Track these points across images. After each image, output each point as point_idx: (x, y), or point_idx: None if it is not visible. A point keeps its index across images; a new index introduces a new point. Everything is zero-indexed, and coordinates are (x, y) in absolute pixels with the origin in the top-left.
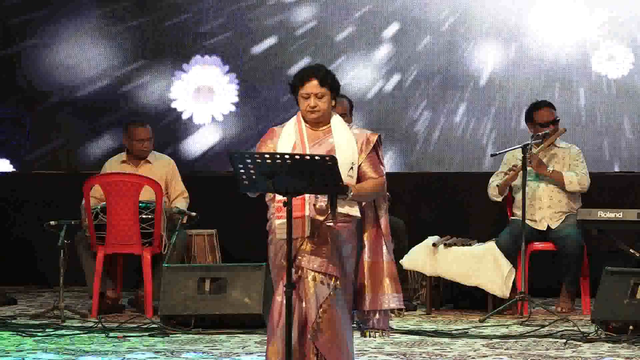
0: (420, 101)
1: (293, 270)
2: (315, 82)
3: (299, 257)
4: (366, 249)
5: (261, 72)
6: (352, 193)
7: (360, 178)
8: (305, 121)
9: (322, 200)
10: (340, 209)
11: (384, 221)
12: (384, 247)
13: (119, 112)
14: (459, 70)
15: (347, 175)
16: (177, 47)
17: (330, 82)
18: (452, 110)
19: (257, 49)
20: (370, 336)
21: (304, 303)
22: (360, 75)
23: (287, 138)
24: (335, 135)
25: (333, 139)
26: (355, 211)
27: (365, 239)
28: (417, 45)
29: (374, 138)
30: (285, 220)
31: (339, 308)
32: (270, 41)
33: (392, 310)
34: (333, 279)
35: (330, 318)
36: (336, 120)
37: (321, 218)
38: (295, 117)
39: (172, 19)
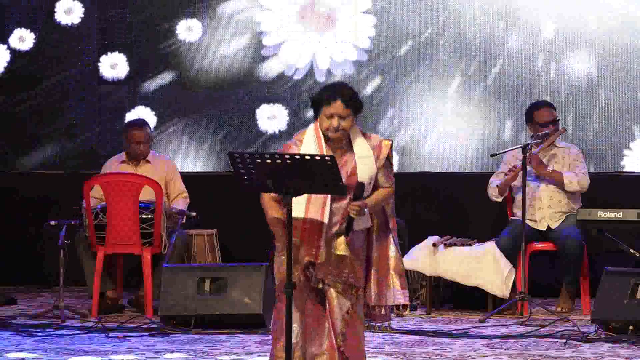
0: (418, 102)
1: (315, 281)
2: (339, 103)
3: (319, 270)
4: (373, 244)
5: None
6: (367, 210)
7: (374, 187)
8: (325, 136)
9: (337, 226)
10: (357, 228)
11: (391, 217)
12: (391, 243)
13: None
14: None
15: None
16: None
17: (354, 103)
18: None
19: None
20: (373, 330)
21: (328, 314)
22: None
23: (309, 150)
24: (356, 152)
25: (350, 157)
26: (369, 223)
27: (372, 234)
28: (398, 50)
29: (387, 145)
30: (297, 239)
31: (359, 316)
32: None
33: (397, 306)
34: (355, 289)
35: (354, 326)
36: (354, 134)
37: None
38: (312, 128)
39: None
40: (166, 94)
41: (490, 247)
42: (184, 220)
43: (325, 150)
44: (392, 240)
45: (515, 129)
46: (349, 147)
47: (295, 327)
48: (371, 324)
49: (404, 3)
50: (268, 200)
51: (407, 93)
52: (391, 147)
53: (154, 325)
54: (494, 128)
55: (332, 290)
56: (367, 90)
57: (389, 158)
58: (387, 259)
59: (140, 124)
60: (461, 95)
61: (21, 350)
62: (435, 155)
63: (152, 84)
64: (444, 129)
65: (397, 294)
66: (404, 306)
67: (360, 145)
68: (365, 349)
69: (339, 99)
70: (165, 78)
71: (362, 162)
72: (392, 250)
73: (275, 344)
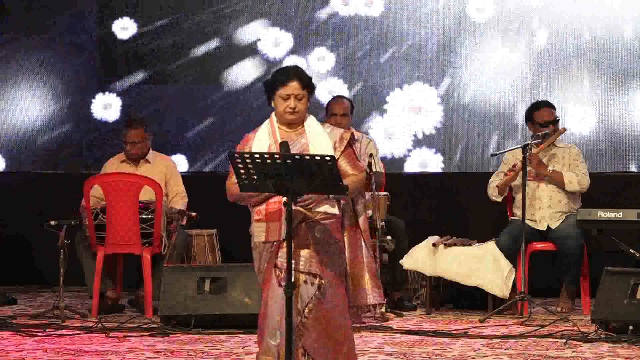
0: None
1: (276, 271)
2: (296, 84)
3: (281, 259)
4: (346, 246)
5: None
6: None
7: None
8: (280, 122)
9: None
10: (318, 209)
11: (362, 218)
12: (363, 244)
13: None
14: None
15: None
16: None
17: (309, 84)
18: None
19: None
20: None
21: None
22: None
23: (261, 140)
24: (308, 135)
25: (305, 139)
26: (333, 209)
27: (344, 236)
28: (383, 53)
29: (347, 135)
30: (263, 223)
31: (328, 306)
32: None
33: (373, 306)
34: (317, 278)
35: (317, 317)
36: (310, 121)
37: (297, 220)
38: (268, 120)
39: None
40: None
41: (490, 247)
42: (184, 221)
43: (279, 137)
44: (363, 240)
45: (514, 129)
46: (304, 133)
47: (275, 331)
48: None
49: (395, 7)
50: (231, 184)
51: (405, 92)
52: (353, 138)
53: (154, 325)
54: (493, 128)
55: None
56: (361, 90)
57: (351, 147)
58: (360, 259)
59: (136, 123)
60: (461, 94)
61: (21, 350)
62: (435, 155)
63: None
64: (444, 129)
65: (371, 294)
66: (379, 305)
67: (313, 128)
68: (365, 348)
69: (295, 80)
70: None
71: (314, 145)
72: (364, 250)
73: (258, 345)
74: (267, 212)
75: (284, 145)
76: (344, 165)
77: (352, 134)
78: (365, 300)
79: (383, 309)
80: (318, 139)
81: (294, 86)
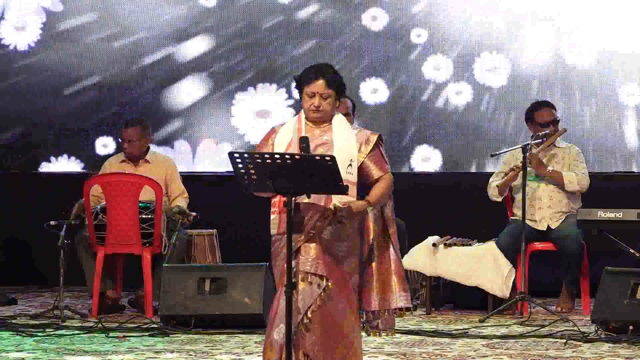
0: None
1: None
2: (322, 82)
3: (294, 258)
4: (373, 248)
5: None
6: (371, 208)
7: (364, 176)
8: (307, 119)
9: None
10: (329, 206)
11: (389, 219)
12: (391, 246)
13: None
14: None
15: (346, 172)
16: None
17: (336, 84)
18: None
19: None
20: (375, 335)
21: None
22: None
23: (285, 135)
24: (334, 133)
25: (329, 137)
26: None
27: (371, 237)
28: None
29: (374, 137)
30: (277, 216)
31: (333, 309)
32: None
33: (399, 309)
34: (324, 280)
35: (321, 319)
36: (338, 120)
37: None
38: (297, 115)
39: None
40: None
41: (490, 247)
42: (184, 220)
43: (304, 132)
44: (391, 244)
45: (515, 128)
46: (330, 130)
47: (282, 326)
48: (373, 330)
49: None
50: None
51: (406, 92)
52: (380, 140)
53: (154, 325)
54: (494, 127)
55: (298, 279)
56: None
57: (378, 149)
58: (387, 263)
59: (133, 122)
60: (461, 94)
61: (21, 350)
62: (436, 155)
63: None
64: (444, 128)
65: (400, 297)
66: (407, 309)
67: (340, 131)
68: (365, 349)
69: (321, 78)
70: None
71: (339, 144)
72: (392, 253)
73: (265, 340)
74: (281, 205)
75: (304, 140)
76: (370, 164)
77: (380, 135)
78: (394, 304)
79: (410, 313)
80: (343, 138)
81: (319, 85)
